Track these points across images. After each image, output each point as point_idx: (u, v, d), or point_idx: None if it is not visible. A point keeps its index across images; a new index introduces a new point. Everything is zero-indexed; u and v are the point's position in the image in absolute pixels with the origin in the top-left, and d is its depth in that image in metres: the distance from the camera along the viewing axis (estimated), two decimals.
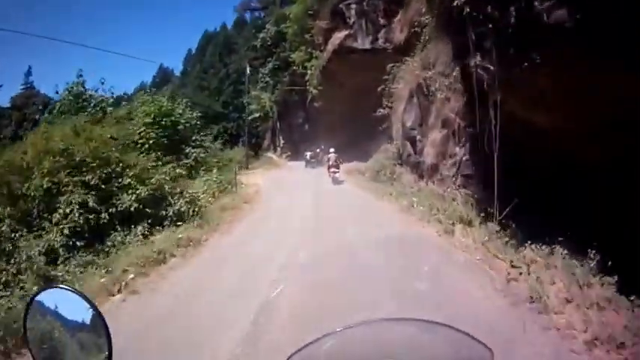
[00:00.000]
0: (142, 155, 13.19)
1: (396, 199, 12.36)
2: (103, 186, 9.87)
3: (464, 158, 11.73)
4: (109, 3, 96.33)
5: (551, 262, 6.40)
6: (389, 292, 4.94)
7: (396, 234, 8.10)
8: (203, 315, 5.06)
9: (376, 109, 18.58)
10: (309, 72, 28.15)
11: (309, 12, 28.29)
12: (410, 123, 14.29)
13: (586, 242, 6.38)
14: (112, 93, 16.02)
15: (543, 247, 7.00)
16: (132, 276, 6.52)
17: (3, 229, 8.66)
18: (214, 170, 17.37)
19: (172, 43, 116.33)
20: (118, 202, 9.79)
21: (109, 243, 9.32)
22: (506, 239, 7.45)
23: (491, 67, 7.29)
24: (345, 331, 1.27)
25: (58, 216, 9.04)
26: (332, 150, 20.19)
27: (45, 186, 9.61)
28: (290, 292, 5.56)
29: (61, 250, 8.50)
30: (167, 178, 11.17)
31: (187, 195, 11.75)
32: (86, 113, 14.56)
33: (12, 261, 7.65)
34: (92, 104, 15.24)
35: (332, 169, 19.13)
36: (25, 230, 8.99)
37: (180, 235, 8.75)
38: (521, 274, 5.62)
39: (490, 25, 7.18)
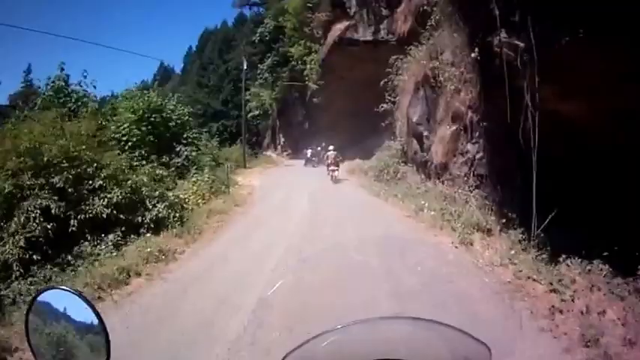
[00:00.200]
0: (124, 154, 12.09)
1: (402, 202, 11.22)
2: (70, 189, 8.73)
3: (477, 156, 10.58)
4: (111, 2, 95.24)
5: (592, 281, 5.27)
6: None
7: (405, 247, 6.89)
8: None
9: (379, 104, 17.42)
10: (308, 66, 27.11)
11: (309, 4, 27.46)
12: (416, 118, 13.11)
13: (626, 253, 5.26)
14: (95, 87, 14.88)
15: (579, 260, 5.88)
16: None
17: None
18: (206, 170, 16.21)
19: (174, 42, 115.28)
20: (87, 207, 8.65)
21: (83, 253, 8.21)
22: (535, 252, 6.29)
23: (522, 44, 6.07)
24: (343, 328, 1.27)
25: (14, 225, 7.91)
26: (331, 148, 19.55)
27: (7, 190, 8.51)
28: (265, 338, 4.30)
29: (14, 265, 7.37)
30: (145, 179, 9.98)
31: (171, 198, 10.64)
32: (66, 109, 13.42)
33: None
34: (73, 99, 14.12)
35: (331, 168, 18.51)
36: None
37: (149, 249, 7.55)
38: (563, 300, 4.46)
39: None
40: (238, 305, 5.25)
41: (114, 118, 13.92)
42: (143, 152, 13.08)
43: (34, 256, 7.65)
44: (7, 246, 7.61)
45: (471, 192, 10.40)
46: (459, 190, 10.67)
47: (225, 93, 49.98)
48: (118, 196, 8.89)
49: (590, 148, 7.72)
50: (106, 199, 8.79)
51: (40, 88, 15.62)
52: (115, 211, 8.81)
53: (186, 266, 7.43)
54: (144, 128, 15.64)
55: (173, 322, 5.01)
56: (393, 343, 1.27)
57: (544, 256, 6.27)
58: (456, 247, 7.03)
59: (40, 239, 7.92)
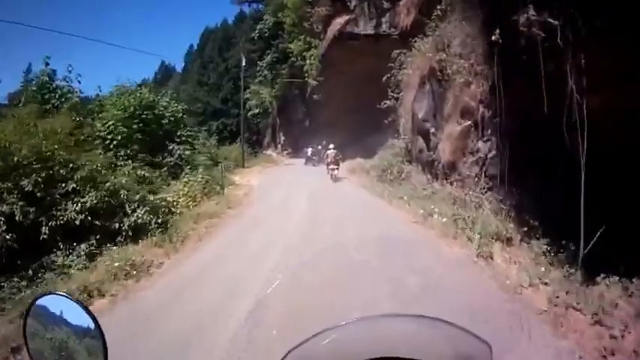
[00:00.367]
0: (109, 153, 11.27)
1: (408, 205, 10.31)
2: (41, 193, 7.89)
3: (489, 155, 9.69)
4: (112, 2, 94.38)
5: (636, 306, 4.39)
6: None
7: (416, 261, 5.97)
8: None
9: (381, 100, 16.57)
10: (307, 62, 26.27)
11: None
12: (422, 114, 12.21)
13: None
14: (79, 81, 14.01)
15: (617, 278, 5.00)
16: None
17: None
18: (201, 169, 15.37)
19: (176, 41, 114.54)
20: (59, 213, 7.81)
21: (54, 264, 7.38)
22: (567, 267, 5.41)
23: (557, 22, 5.14)
24: (344, 326, 1.26)
25: None
26: (331, 146, 19.05)
27: None
28: None
29: None
30: (124, 181, 9.08)
31: (157, 201, 9.78)
32: (49, 106, 12.62)
33: None
34: (57, 95, 13.28)
35: (331, 166, 18.06)
36: None
37: (117, 263, 6.66)
38: (613, 337, 3.58)
39: None
40: (210, 346, 4.21)
41: (100, 115, 13.04)
42: (129, 151, 12.20)
43: None
44: None
45: (483, 194, 9.55)
46: (470, 192, 9.80)
47: (224, 91, 49.28)
48: (92, 200, 8.04)
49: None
50: (79, 204, 7.93)
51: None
52: (89, 217, 7.96)
53: (159, 284, 6.44)
54: (135, 126, 14.86)
55: None
56: (394, 340, 1.25)
57: (573, 269, 5.38)
58: (475, 261, 6.12)
59: (3, 249, 7.07)
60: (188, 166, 15.45)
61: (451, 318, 1.20)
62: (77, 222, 7.87)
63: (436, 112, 11.68)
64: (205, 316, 5.00)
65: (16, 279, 6.98)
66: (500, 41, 6.70)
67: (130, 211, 8.63)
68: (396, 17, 19.82)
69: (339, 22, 21.47)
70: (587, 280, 5.03)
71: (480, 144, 9.96)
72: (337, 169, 18.07)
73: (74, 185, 8.22)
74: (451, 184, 10.84)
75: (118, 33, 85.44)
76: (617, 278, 5.02)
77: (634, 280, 4.97)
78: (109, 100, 14.50)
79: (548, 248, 6.18)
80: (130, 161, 11.75)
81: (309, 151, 26.72)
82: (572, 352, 3.56)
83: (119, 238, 8.14)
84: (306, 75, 26.59)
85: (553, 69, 5.58)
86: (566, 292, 4.68)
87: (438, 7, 12.50)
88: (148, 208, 8.98)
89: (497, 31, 6.62)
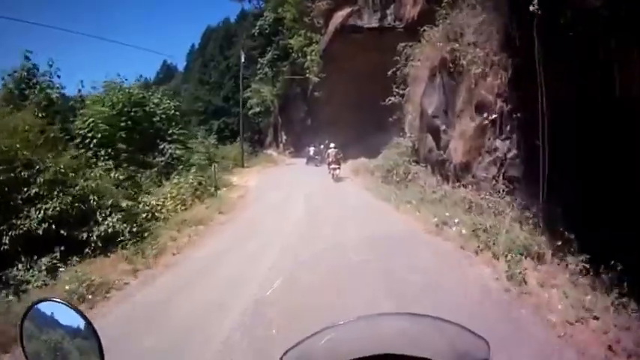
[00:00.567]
0: (88, 153, 10.33)
1: (418, 211, 9.26)
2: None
3: (509, 155, 8.67)
4: (112, 2, 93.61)
5: None
6: None
7: (438, 292, 4.76)
8: None
9: (385, 97, 15.60)
10: (308, 57, 25.29)
11: None
12: (432, 109, 11.16)
13: None
14: (59, 76, 13.04)
15: None
16: None
17: None
18: (193, 170, 14.43)
19: (178, 40, 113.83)
20: (20, 220, 6.84)
21: (15, 279, 6.41)
22: (615, 292, 4.38)
23: None
24: (342, 325, 1.26)
25: None
26: (332, 145, 18.59)
27: None
28: None
29: None
30: (95, 184, 8.04)
31: (140, 206, 8.81)
32: (28, 102, 11.68)
33: None
34: (37, 91, 12.34)
35: (332, 166, 17.61)
36: None
37: (67, 287, 5.59)
38: None
39: None
40: None
41: (80, 112, 12.07)
42: (110, 151, 11.21)
43: None
44: None
45: (501, 198, 8.52)
46: (487, 197, 8.77)
47: (226, 90, 48.58)
48: (56, 206, 7.06)
49: None
50: (42, 211, 6.96)
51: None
52: (54, 226, 6.97)
53: (114, 314, 5.25)
54: (123, 124, 13.98)
55: None
56: (392, 338, 1.24)
57: (623, 296, 4.35)
58: (506, 288, 4.97)
59: None
60: (180, 167, 14.49)
61: None
62: (40, 231, 6.88)
63: (447, 107, 10.65)
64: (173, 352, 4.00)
65: None
66: (540, 12, 5.61)
67: (100, 219, 7.63)
68: (402, 9, 18.79)
69: (341, 15, 20.44)
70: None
71: (498, 142, 8.93)
72: (339, 168, 17.53)
73: (37, 190, 7.23)
74: (464, 186, 9.81)
75: (118, 32, 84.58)
76: None
77: None
78: (94, 96, 13.47)
79: (587, 266, 5.16)
80: (110, 162, 10.76)
81: (312, 150, 25.87)
82: None
83: (87, 250, 7.16)
84: (307, 71, 25.61)
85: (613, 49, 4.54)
86: (624, 332, 3.65)
87: None
88: (120, 215, 7.95)
89: (536, 2, 5.55)
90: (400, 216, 9.54)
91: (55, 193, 7.33)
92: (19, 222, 6.88)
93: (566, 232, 5.71)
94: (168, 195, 11.29)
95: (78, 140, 11.19)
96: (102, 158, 10.83)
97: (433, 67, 11.17)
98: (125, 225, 7.89)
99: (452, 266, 6.03)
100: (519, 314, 4.28)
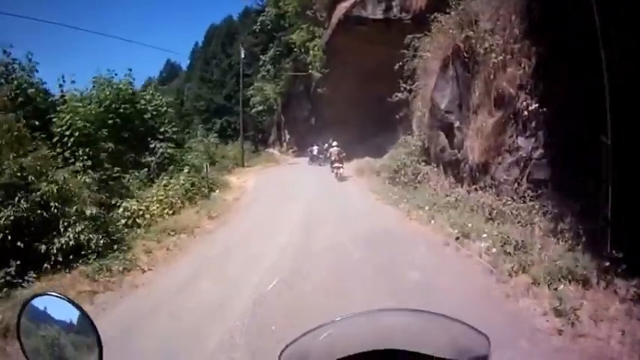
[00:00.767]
0: (65, 153, 9.40)
1: (433, 219, 8.18)
2: None
3: (534, 154, 7.66)
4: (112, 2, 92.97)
5: None
6: None
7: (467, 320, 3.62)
8: None
9: (390, 94, 14.64)
10: (311, 52, 24.28)
11: None
12: (444, 104, 10.10)
13: None
14: (37, 70, 12.07)
15: None
16: None
17: None
18: (186, 170, 13.49)
19: (182, 39, 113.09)
20: None
21: None
22: None
23: None
24: (341, 321, 1.24)
25: None
26: (334, 143, 18.46)
27: None
28: None
29: None
30: (57, 187, 6.96)
31: (120, 210, 7.82)
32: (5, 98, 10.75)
33: None
34: (14, 86, 11.40)
35: (335, 165, 17.41)
36: None
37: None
38: None
39: None
40: None
41: (58, 109, 11.11)
42: (88, 150, 10.21)
43: None
44: None
45: (525, 203, 7.47)
46: (508, 202, 7.72)
47: (228, 88, 47.80)
48: (10, 215, 6.08)
49: None
50: None
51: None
52: (10, 237, 6.01)
53: None
54: (110, 121, 13.07)
55: None
56: (392, 333, 1.20)
57: None
58: (558, 329, 3.85)
59: None
60: (171, 167, 13.57)
61: None
62: None
63: (462, 101, 9.61)
64: None
65: None
66: None
67: (62, 229, 6.64)
68: None
69: (344, 6, 19.39)
70: None
71: (521, 140, 7.92)
72: (342, 167, 17.14)
73: None
74: (481, 189, 8.77)
75: (122, 31, 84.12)
76: None
77: None
78: (71, 94, 12.44)
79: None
80: (89, 162, 9.80)
81: (315, 149, 25.00)
82: None
83: (46, 265, 6.17)
84: (310, 67, 24.61)
85: None
86: None
87: None
88: (89, 223, 6.94)
89: None
90: (412, 225, 8.45)
91: (19, 197, 6.34)
92: None
93: (613, 251, 4.65)
94: (155, 198, 10.31)
95: (56, 139, 10.24)
96: (80, 158, 9.87)
97: (445, 57, 10.13)
98: (95, 235, 6.88)
99: (486, 297, 4.86)
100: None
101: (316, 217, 10.16)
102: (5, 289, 5.61)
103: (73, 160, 9.86)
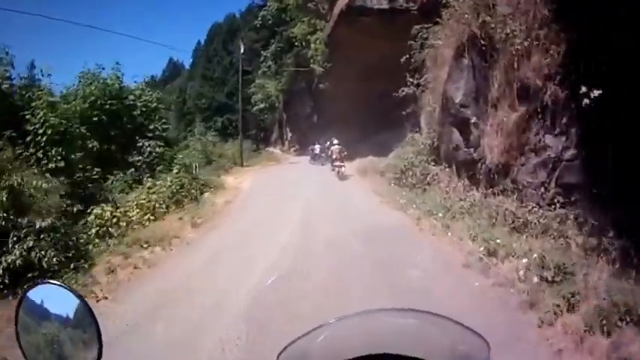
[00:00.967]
0: (38, 153, 8.49)
1: (448, 229, 7.11)
2: None
3: (565, 155, 6.61)
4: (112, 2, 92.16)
5: None
6: None
7: None
8: None
9: (395, 89, 13.64)
10: (312, 46, 23.33)
11: None
12: (459, 97, 9.04)
13: None
14: (13, 66, 11.18)
15: None
16: None
17: None
18: (175, 170, 12.57)
19: (186, 38, 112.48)
20: None
21: None
22: None
23: None
24: (339, 322, 1.23)
25: None
26: (335, 142, 18.25)
27: None
28: None
29: None
30: (7, 194, 5.98)
31: (97, 219, 6.85)
32: None
33: None
34: None
35: (336, 163, 17.14)
36: None
37: None
38: None
39: None
40: None
41: (33, 104, 10.14)
42: (61, 150, 9.22)
43: None
44: None
45: (553, 210, 6.44)
46: (534, 209, 6.68)
47: (229, 86, 47.12)
48: None
49: None
50: None
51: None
52: None
53: None
54: (95, 118, 12.21)
55: None
56: (391, 335, 1.18)
57: None
58: None
59: None
60: (160, 167, 12.66)
61: None
62: None
63: (479, 94, 8.56)
64: None
65: None
66: None
67: (10, 244, 5.66)
68: None
69: None
70: None
71: (550, 139, 6.88)
72: (343, 165, 16.79)
73: None
74: (501, 193, 7.73)
75: (125, 29, 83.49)
76: None
77: None
78: (47, 90, 11.46)
79: None
80: (62, 162, 8.85)
81: (317, 147, 24.09)
82: None
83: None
84: (312, 61, 23.65)
85: None
86: None
87: None
88: (42, 237, 5.93)
89: None
90: (424, 237, 7.30)
91: None
92: None
93: None
94: (135, 203, 9.34)
95: (29, 138, 9.31)
96: (53, 159, 8.91)
97: (459, 45, 9.08)
98: (51, 251, 5.87)
99: (532, 354, 3.70)
100: None
101: (313, 229, 8.97)
102: None
103: (46, 160, 8.92)
